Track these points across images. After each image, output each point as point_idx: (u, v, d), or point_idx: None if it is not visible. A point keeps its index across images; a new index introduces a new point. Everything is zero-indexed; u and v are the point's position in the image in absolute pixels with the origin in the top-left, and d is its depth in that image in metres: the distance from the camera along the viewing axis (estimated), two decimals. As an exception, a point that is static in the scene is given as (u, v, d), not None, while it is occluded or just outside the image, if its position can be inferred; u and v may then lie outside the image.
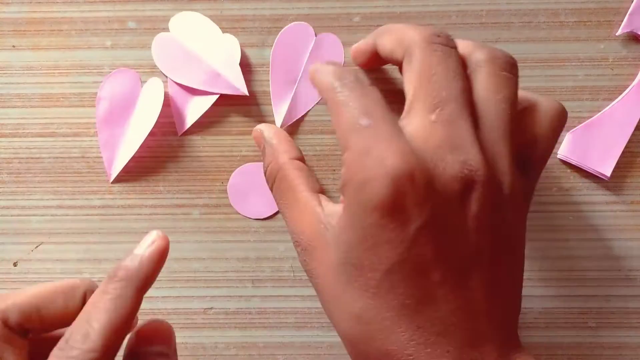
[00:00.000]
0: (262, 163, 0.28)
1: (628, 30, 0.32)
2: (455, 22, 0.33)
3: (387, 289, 0.21)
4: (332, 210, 0.24)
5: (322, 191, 0.26)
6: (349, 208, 0.22)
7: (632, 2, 0.32)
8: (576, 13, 0.33)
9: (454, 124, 0.22)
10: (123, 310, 0.21)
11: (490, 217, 0.22)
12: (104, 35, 0.34)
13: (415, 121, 0.22)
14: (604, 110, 0.33)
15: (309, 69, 0.25)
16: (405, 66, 0.24)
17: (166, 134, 0.34)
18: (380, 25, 0.33)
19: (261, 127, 0.29)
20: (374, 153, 0.21)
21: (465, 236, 0.21)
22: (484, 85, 0.23)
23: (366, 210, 0.21)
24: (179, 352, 0.34)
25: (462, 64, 0.24)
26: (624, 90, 0.33)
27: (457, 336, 0.21)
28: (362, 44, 0.29)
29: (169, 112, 0.33)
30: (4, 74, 0.34)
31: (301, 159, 0.27)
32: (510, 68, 0.24)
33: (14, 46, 0.34)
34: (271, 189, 0.27)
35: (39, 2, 0.33)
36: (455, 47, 0.24)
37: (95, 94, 0.34)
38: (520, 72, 0.33)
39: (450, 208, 0.21)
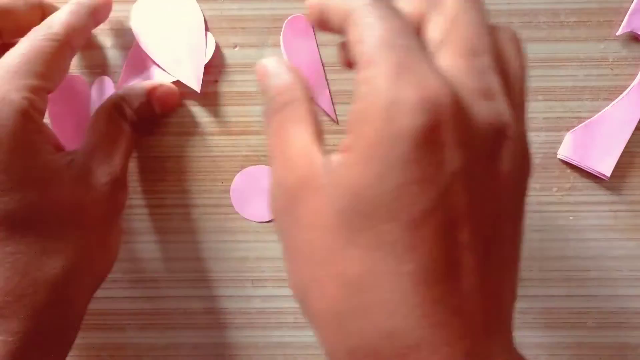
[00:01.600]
0: (263, 100, 0.23)
1: (628, 30, 0.32)
2: (455, 22, 0.33)
3: (405, 247, 0.17)
4: (337, 156, 0.19)
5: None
6: (366, 138, 0.18)
7: (632, 2, 0.32)
8: (576, 13, 0.33)
9: (488, 75, 0.19)
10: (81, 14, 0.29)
11: (520, 178, 0.19)
12: (104, 35, 0.34)
13: (448, 61, 0.19)
14: (604, 110, 0.33)
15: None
16: (430, 10, 0.21)
17: (165, 134, 0.34)
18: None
19: (267, 61, 0.23)
20: (414, 71, 0.18)
21: (496, 196, 0.18)
22: (506, 47, 0.21)
23: (394, 139, 0.17)
24: (179, 352, 0.34)
25: None
26: (624, 91, 0.33)
27: (474, 318, 0.18)
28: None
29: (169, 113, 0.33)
30: (4, 74, 0.34)
31: (313, 97, 0.23)
32: (519, 38, 0.22)
33: (14, 46, 0.34)
34: (269, 119, 0.22)
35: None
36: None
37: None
38: (520, 72, 0.33)
39: (485, 158, 0.18)
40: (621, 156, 0.32)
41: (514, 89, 0.21)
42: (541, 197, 0.33)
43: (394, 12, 0.20)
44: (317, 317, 0.19)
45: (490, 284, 0.18)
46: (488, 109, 0.19)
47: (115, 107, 0.30)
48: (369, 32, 0.19)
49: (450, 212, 0.17)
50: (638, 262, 0.33)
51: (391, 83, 0.18)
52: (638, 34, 0.32)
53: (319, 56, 0.33)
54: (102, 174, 0.28)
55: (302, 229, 0.19)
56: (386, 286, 0.17)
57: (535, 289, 0.33)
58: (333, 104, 0.33)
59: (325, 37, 0.33)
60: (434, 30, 0.20)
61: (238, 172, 0.34)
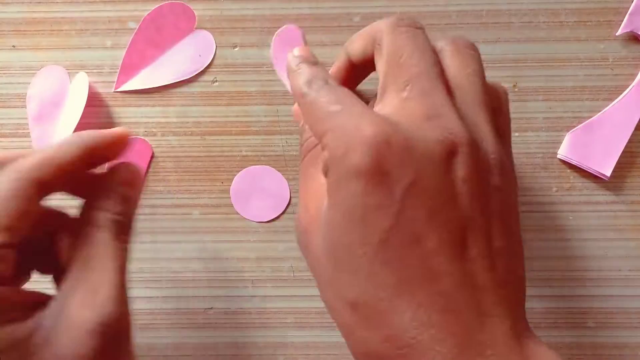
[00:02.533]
0: (299, 133, 0.26)
1: (628, 30, 0.32)
2: (455, 22, 0.33)
3: (381, 265, 0.20)
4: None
5: None
6: (333, 185, 0.21)
7: (632, 2, 0.32)
8: (576, 13, 0.33)
9: (428, 95, 0.21)
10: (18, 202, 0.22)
11: (478, 181, 0.21)
12: (104, 35, 0.34)
13: (389, 102, 0.22)
14: (604, 111, 0.33)
15: (287, 62, 0.26)
16: (376, 57, 0.24)
17: (165, 134, 0.34)
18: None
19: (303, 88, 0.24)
20: (350, 126, 0.20)
21: (455, 201, 0.20)
22: (452, 62, 0.23)
23: (350, 180, 0.20)
24: (179, 352, 0.34)
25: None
26: (624, 91, 0.33)
27: (462, 314, 0.20)
28: (336, 65, 0.28)
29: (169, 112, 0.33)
30: (4, 74, 0.34)
31: None
32: (472, 47, 0.24)
33: (14, 46, 0.34)
34: (300, 163, 0.26)
35: (39, 2, 0.33)
36: (422, 28, 0.24)
37: (96, 94, 0.34)
38: (520, 72, 0.33)
39: (435, 172, 0.20)
40: (621, 156, 0.32)
41: (465, 97, 0.22)
42: (541, 197, 0.33)
43: (330, 88, 0.23)
44: (339, 328, 0.22)
45: (474, 279, 0.20)
46: (432, 127, 0.21)
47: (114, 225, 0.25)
48: (312, 116, 0.23)
49: (411, 224, 0.20)
50: (638, 262, 0.33)
51: (338, 142, 0.21)
52: (638, 34, 0.32)
53: None
54: (86, 324, 0.21)
55: (311, 258, 0.23)
56: (375, 300, 0.20)
57: (535, 289, 0.33)
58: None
59: (317, 40, 0.33)
60: (380, 74, 0.23)
61: (238, 172, 0.34)
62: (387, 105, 0.22)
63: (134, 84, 0.33)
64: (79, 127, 0.33)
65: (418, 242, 0.20)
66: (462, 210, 0.20)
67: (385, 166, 0.20)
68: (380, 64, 0.23)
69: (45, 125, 0.33)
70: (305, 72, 0.24)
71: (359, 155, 0.20)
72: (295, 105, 0.29)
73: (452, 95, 0.22)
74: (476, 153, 0.21)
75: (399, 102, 0.22)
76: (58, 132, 0.33)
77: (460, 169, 0.20)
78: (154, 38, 0.33)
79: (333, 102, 0.22)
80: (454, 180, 0.20)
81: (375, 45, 0.24)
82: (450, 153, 0.20)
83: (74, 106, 0.33)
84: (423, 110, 0.21)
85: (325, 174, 0.22)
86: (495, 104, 0.24)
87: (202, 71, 0.33)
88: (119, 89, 0.34)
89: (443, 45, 0.24)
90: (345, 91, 0.23)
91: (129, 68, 0.33)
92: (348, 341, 0.22)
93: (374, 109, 0.22)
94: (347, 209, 0.20)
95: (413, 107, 0.21)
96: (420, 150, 0.20)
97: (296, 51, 0.26)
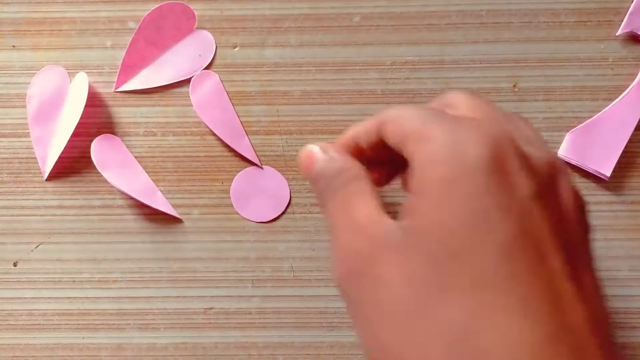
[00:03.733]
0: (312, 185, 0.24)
1: (628, 30, 0.32)
2: (455, 22, 0.33)
3: (504, 277, 0.16)
4: (404, 221, 0.19)
5: None
6: (435, 185, 0.17)
7: (632, 2, 0.32)
8: (576, 13, 0.33)
9: (524, 129, 0.21)
10: None
11: (579, 211, 0.19)
12: (104, 35, 0.34)
13: None
14: (604, 110, 0.33)
15: (303, 154, 0.23)
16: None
17: (165, 134, 0.34)
18: (380, 26, 0.33)
19: (312, 147, 0.23)
20: (462, 123, 0.18)
21: (568, 223, 0.18)
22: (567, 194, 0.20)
23: (466, 171, 0.17)
24: (179, 352, 0.34)
25: None
26: (624, 90, 0.33)
27: (588, 353, 0.16)
28: (362, 130, 0.23)
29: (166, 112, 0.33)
30: (4, 74, 0.34)
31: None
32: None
33: (14, 46, 0.34)
34: (331, 198, 0.21)
35: (39, 2, 0.33)
36: None
37: (96, 93, 0.34)
38: (520, 72, 0.33)
39: (550, 187, 0.18)
40: (621, 156, 0.32)
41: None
42: (541, 197, 0.33)
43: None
44: None
45: (592, 312, 0.17)
46: (538, 149, 0.19)
47: None
48: (407, 120, 0.20)
49: (536, 233, 0.17)
50: (638, 262, 0.33)
51: (449, 132, 0.18)
52: (638, 34, 0.32)
53: (232, 106, 0.33)
54: None
55: (385, 287, 0.18)
56: (497, 325, 0.16)
57: (535, 289, 0.33)
58: (254, 150, 0.33)
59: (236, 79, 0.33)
60: None
61: (238, 172, 0.34)
62: None
63: (134, 84, 0.33)
64: (79, 127, 0.33)
65: (543, 258, 0.17)
66: (575, 234, 0.18)
67: (508, 165, 0.17)
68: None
69: (45, 125, 0.33)
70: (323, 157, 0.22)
71: (476, 146, 0.17)
72: (303, 153, 0.23)
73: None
74: (573, 186, 0.20)
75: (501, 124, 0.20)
76: (58, 132, 0.33)
77: (566, 194, 0.19)
78: (154, 38, 0.33)
79: (431, 110, 0.20)
80: (562, 203, 0.19)
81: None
82: (556, 175, 0.19)
83: (74, 106, 0.33)
84: (524, 135, 0.20)
85: (415, 180, 0.18)
86: None
87: (202, 71, 0.33)
88: (119, 89, 0.34)
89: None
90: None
91: (129, 68, 0.33)
92: None
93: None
94: (457, 209, 0.17)
95: (514, 129, 0.20)
96: (534, 162, 0.18)
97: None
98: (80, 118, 0.32)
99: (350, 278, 0.19)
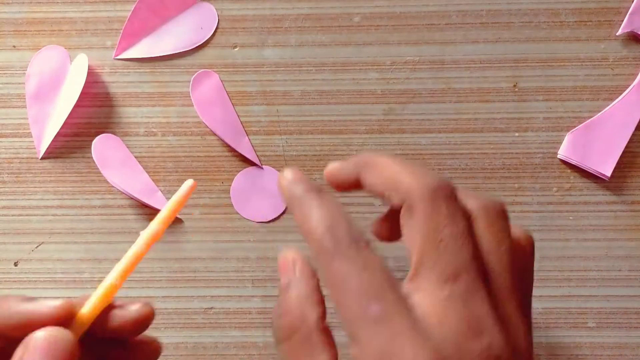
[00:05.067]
0: (279, 297, 0.23)
1: (628, 30, 0.32)
2: (455, 22, 0.33)
3: None
4: None
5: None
6: None
7: (633, 2, 0.32)
8: (576, 13, 0.33)
9: (471, 300, 0.20)
10: None
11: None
12: (104, 35, 0.34)
13: (426, 293, 0.20)
14: (604, 110, 0.33)
15: (284, 185, 0.22)
16: (405, 220, 0.21)
17: (165, 134, 0.34)
18: (380, 26, 0.33)
19: (291, 255, 0.22)
20: (390, 349, 0.18)
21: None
22: (485, 236, 0.21)
23: None
24: (179, 352, 0.34)
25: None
26: (624, 90, 0.33)
27: None
28: (341, 172, 0.23)
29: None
30: (4, 74, 0.34)
31: (324, 313, 0.22)
32: (504, 214, 0.22)
33: (14, 46, 0.34)
34: (278, 344, 0.22)
35: (39, 2, 0.33)
36: (457, 200, 0.21)
37: (97, 94, 0.34)
38: (520, 72, 0.33)
39: None
40: (621, 156, 0.32)
41: (501, 284, 0.21)
42: (541, 197, 0.33)
43: (362, 256, 0.20)
44: None
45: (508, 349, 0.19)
46: (477, 351, 0.19)
47: None
48: (342, 299, 0.19)
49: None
50: (638, 262, 0.33)
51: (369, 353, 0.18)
52: (638, 34, 0.32)
53: (232, 106, 0.33)
54: None
55: None
56: None
57: (535, 289, 0.33)
58: (254, 150, 0.33)
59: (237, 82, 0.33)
60: (410, 243, 0.21)
61: (238, 172, 0.34)
62: (425, 297, 0.20)
63: (135, 52, 0.33)
64: (76, 108, 0.33)
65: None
66: None
67: None
68: (412, 234, 0.21)
69: (43, 105, 0.33)
70: (321, 211, 0.20)
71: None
72: (285, 257, 0.23)
73: (487, 283, 0.21)
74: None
75: (440, 300, 0.19)
76: (55, 112, 0.33)
77: None
78: (156, 7, 0.33)
79: (369, 294, 0.19)
80: None
81: (404, 204, 0.21)
82: None
83: (73, 87, 0.33)
84: (467, 321, 0.19)
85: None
86: (522, 264, 0.23)
87: (202, 71, 0.33)
88: (119, 57, 0.34)
89: (475, 211, 0.22)
90: (378, 266, 0.20)
91: (130, 35, 0.33)
92: None
93: (406, 285, 0.20)
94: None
95: (456, 313, 0.19)
96: None
97: (289, 174, 0.22)
98: (77, 100, 0.32)
99: None
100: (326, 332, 0.21)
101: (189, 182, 0.24)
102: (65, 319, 0.21)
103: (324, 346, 0.21)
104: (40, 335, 0.20)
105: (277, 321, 0.22)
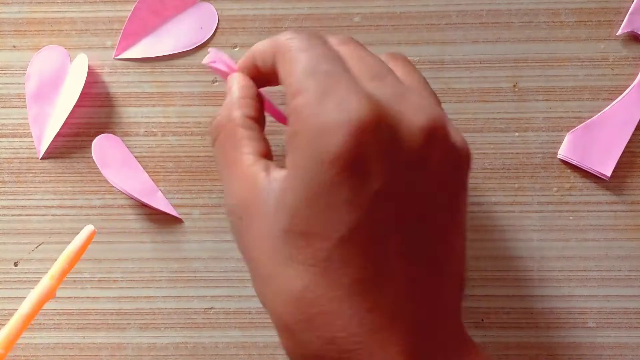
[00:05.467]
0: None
1: (628, 30, 0.32)
2: (455, 22, 0.33)
3: (338, 262, 0.19)
4: (278, 175, 0.20)
5: (270, 157, 0.23)
6: (297, 163, 0.19)
7: (633, 2, 0.32)
8: (576, 13, 0.33)
9: (399, 86, 0.21)
10: None
11: (451, 176, 0.21)
12: (104, 35, 0.34)
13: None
14: (604, 110, 0.33)
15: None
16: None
17: (165, 134, 0.34)
18: (380, 26, 0.33)
19: (234, 76, 0.24)
20: (335, 95, 0.19)
21: (427, 198, 0.20)
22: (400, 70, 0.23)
23: (321, 164, 0.18)
24: (179, 352, 0.34)
25: None
26: (625, 90, 0.33)
27: (410, 322, 0.19)
28: (260, 53, 0.24)
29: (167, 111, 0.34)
30: (4, 74, 0.34)
31: (257, 119, 0.23)
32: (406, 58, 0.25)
33: (14, 46, 0.34)
34: (213, 144, 0.23)
35: (39, 2, 0.33)
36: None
37: (97, 94, 0.34)
38: (520, 72, 0.33)
39: (412, 166, 0.19)
40: (621, 156, 0.32)
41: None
42: (541, 197, 0.33)
43: (317, 41, 0.21)
44: (276, 328, 0.21)
45: (424, 285, 0.20)
46: (419, 110, 0.20)
47: None
48: (293, 65, 0.20)
49: (377, 226, 0.19)
50: (638, 262, 0.33)
51: (315, 111, 0.19)
52: (638, 34, 0.32)
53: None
54: None
55: (248, 246, 0.21)
56: (324, 299, 0.19)
57: (535, 289, 0.33)
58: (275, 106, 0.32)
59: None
60: None
61: (238, 172, 0.34)
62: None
63: (135, 52, 0.33)
64: (76, 108, 0.33)
65: (381, 244, 0.19)
66: (434, 204, 0.20)
67: (365, 157, 0.18)
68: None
69: (43, 105, 0.33)
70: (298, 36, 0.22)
71: (338, 135, 0.18)
72: (229, 77, 0.25)
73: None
74: (451, 145, 0.21)
75: (374, 86, 0.21)
76: (55, 112, 0.33)
77: (436, 163, 0.20)
78: (156, 7, 0.33)
79: (324, 59, 0.20)
80: (427, 176, 0.20)
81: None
82: (429, 144, 0.20)
83: (73, 87, 0.33)
84: (410, 95, 0.21)
85: (289, 142, 0.20)
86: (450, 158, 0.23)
87: (202, 71, 0.33)
88: (119, 57, 0.34)
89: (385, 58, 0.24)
90: (338, 56, 0.21)
91: (130, 35, 0.33)
92: (286, 343, 0.20)
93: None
94: (312, 193, 0.19)
95: (390, 90, 0.21)
96: (405, 137, 0.19)
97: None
98: (77, 101, 0.32)
99: (232, 231, 0.23)
100: (253, 129, 0.23)
101: (88, 228, 0.23)
102: None
103: (250, 140, 0.22)
104: None
105: (210, 125, 0.24)
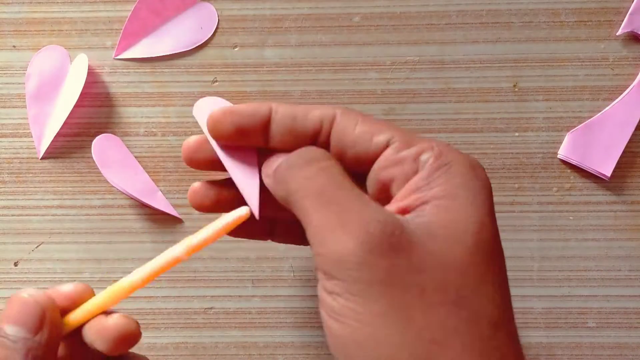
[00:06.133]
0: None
1: (628, 30, 0.32)
2: (455, 22, 0.33)
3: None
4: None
5: None
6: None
7: (633, 2, 0.32)
8: (576, 13, 0.33)
9: None
10: None
11: None
12: (104, 35, 0.34)
13: None
14: (604, 110, 0.33)
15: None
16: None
17: (165, 134, 0.34)
18: (380, 26, 0.33)
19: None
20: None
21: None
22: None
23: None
24: (179, 352, 0.34)
25: None
26: (625, 90, 0.33)
27: None
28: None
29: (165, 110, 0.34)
30: (4, 74, 0.34)
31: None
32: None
33: (14, 46, 0.34)
34: (280, 182, 0.22)
35: (39, 2, 0.33)
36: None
37: (97, 94, 0.34)
38: (520, 72, 0.33)
39: None
40: (621, 156, 0.32)
41: None
42: (541, 197, 0.33)
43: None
44: None
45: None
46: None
47: None
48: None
49: None
50: (638, 262, 0.33)
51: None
52: (638, 34, 0.32)
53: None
54: None
55: (420, 271, 0.18)
56: None
57: (535, 289, 0.33)
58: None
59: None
60: None
61: (238, 172, 0.34)
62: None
63: (135, 52, 0.33)
64: (76, 108, 0.33)
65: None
66: None
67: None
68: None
69: (43, 105, 0.33)
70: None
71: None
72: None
73: None
74: None
75: None
76: (55, 112, 0.33)
77: None
78: (156, 7, 0.33)
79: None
80: None
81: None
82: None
83: (73, 87, 0.33)
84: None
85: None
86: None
87: (202, 71, 0.33)
88: (119, 57, 0.34)
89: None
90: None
91: (130, 35, 0.33)
92: None
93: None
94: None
95: None
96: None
97: None
98: (77, 101, 0.32)
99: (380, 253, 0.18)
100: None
101: (242, 210, 0.22)
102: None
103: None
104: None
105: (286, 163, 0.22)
